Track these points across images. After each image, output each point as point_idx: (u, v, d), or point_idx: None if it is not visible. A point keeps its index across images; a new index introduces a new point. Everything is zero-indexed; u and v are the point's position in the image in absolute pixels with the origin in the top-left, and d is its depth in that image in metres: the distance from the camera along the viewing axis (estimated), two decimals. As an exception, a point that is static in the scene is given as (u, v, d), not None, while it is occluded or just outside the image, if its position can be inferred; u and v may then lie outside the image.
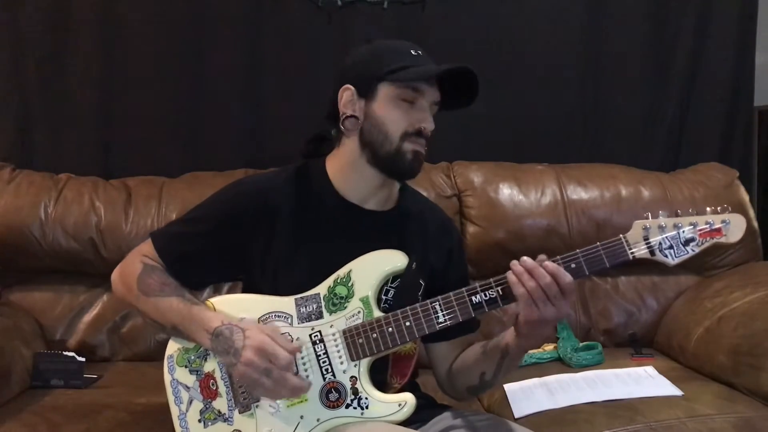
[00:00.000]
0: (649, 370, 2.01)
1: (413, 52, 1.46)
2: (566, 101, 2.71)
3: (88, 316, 2.31)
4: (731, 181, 2.49)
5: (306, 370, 1.38)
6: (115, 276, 1.56)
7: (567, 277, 1.28)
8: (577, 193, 2.42)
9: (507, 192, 2.41)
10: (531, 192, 2.41)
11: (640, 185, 2.43)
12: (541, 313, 1.28)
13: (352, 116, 1.47)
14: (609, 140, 2.72)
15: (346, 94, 1.48)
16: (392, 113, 1.44)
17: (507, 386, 1.97)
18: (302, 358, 1.38)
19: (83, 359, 2.09)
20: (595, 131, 2.72)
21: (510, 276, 1.31)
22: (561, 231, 2.38)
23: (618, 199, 2.41)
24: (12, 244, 2.28)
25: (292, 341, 1.39)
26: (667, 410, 1.76)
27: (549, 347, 2.24)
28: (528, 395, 1.91)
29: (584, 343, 2.24)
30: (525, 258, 1.31)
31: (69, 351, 2.12)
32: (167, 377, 1.46)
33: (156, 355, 2.23)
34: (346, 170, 1.51)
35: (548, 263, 1.29)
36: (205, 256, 1.51)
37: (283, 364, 1.33)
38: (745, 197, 2.47)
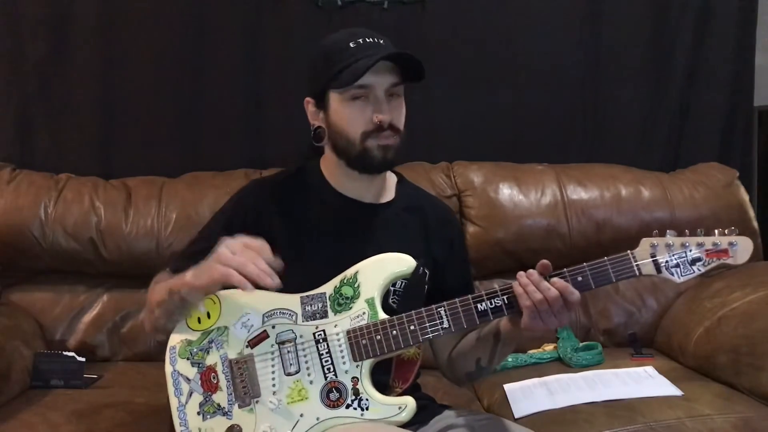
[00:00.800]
0: (649, 370, 2.01)
1: (352, 45, 1.44)
2: (566, 101, 2.70)
3: (88, 316, 2.31)
4: (731, 181, 2.49)
5: (308, 369, 1.39)
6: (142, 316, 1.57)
7: (574, 295, 1.29)
8: (577, 193, 2.42)
9: (507, 192, 2.40)
10: (531, 192, 2.41)
11: (640, 185, 2.43)
12: (544, 324, 1.30)
13: (320, 127, 1.51)
14: (609, 140, 2.71)
15: (309, 108, 1.53)
16: (346, 117, 1.45)
17: (507, 386, 1.97)
18: (305, 356, 1.39)
19: (83, 359, 2.08)
20: (595, 131, 2.71)
21: (516, 287, 1.31)
22: (561, 231, 2.37)
23: (618, 199, 2.41)
24: (12, 244, 2.28)
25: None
26: (667, 410, 1.76)
27: (549, 347, 2.24)
28: (528, 395, 1.91)
29: (584, 343, 2.25)
30: (531, 271, 1.31)
31: (69, 351, 2.12)
32: (168, 368, 1.45)
33: (156, 355, 2.23)
34: (336, 172, 1.54)
35: (556, 280, 1.29)
36: None
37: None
38: (745, 197, 2.47)
